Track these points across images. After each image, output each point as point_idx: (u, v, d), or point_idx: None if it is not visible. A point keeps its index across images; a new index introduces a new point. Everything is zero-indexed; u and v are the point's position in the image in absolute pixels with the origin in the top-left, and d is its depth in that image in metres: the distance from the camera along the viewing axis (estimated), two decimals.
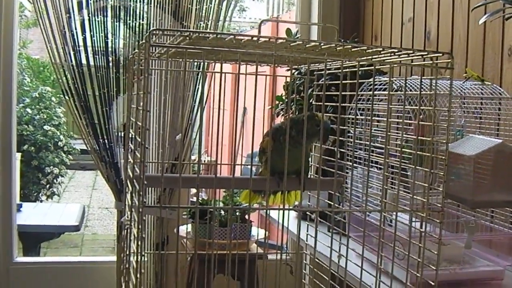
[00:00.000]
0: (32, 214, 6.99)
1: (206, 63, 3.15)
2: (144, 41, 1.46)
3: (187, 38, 1.46)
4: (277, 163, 1.67)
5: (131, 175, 1.64)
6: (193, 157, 4.11)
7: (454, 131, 2.20)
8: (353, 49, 1.57)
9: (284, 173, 1.60)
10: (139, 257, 1.44)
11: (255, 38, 1.47)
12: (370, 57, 1.67)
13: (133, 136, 1.73)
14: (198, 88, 3.73)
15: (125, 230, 1.80)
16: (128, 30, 3.70)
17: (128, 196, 1.72)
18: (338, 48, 1.56)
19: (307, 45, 1.55)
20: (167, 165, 3.69)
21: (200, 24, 3.68)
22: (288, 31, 3.27)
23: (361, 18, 3.92)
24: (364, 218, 1.75)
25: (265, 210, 2.52)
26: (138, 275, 1.44)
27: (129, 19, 3.69)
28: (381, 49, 1.56)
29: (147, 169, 1.47)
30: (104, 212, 9.76)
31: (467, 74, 2.26)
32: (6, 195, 3.76)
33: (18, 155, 7.60)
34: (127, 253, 1.71)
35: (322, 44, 1.54)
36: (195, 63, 3.63)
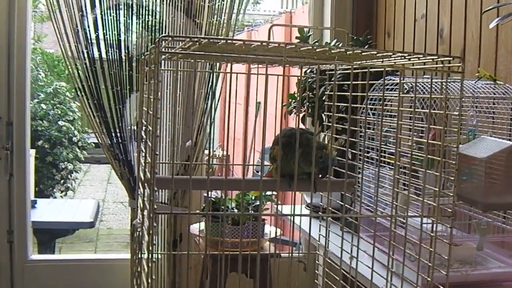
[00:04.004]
0: (46, 211, 7.01)
1: (218, 63, 3.16)
2: (154, 46, 1.47)
3: (197, 43, 1.47)
4: (287, 168, 1.67)
5: (143, 178, 1.64)
6: (206, 152, 4.10)
7: (466, 131, 2.19)
8: (363, 53, 1.57)
9: (294, 179, 1.60)
10: (150, 263, 1.44)
11: (264, 44, 1.47)
12: (381, 60, 1.67)
13: (145, 139, 1.73)
14: (211, 86, 3.73)
15: (137, 233, 1.81)
16: (140, 27, 3.70)
17: (140, 199, 1.72)
18: (348, 53, 1.55)
19: (317, 50, 1.55)
20: (180, 165, 3.68)
21: (213, 20, 3.67)
22: (301, 30, 3.27)
23: (374, 14, 3.91)
24: (374, 221, 1.75)
25: (277, 208, 2.52)
26: (150, 280, 1.45)
27: (142, 17, 3.69)
28: (391, 53, 1.56)
29: (159, 170, 1.48)
30: (119, 207, 9.79)
31: (480, 73, 2.25)
32: (20, 192, 3.77)
33: (32, 152, 7.64)
34: (139, 256, 1.72)
35: (332, 48, 1.54)
36: (208, 63, 3.63)
